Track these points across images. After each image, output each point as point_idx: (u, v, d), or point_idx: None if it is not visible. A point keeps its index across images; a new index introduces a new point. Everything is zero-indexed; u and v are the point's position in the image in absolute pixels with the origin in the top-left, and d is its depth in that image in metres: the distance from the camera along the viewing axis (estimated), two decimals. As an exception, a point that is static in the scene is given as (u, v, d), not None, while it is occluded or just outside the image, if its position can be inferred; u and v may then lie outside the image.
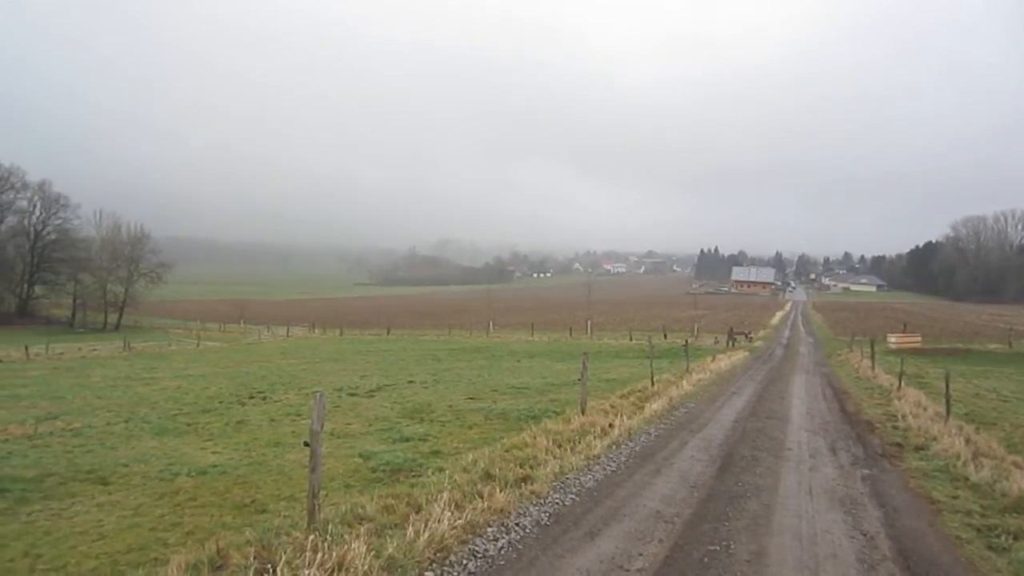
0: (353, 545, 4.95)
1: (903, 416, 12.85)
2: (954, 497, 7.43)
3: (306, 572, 4.52)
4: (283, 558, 4.67)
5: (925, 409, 13.63)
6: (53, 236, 74.75)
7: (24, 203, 73.89)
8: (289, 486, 8.16)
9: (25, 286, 73.82)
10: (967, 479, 8.08)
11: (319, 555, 4.74)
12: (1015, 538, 6.00)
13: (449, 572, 5.05)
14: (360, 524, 5.65)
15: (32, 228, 73.78)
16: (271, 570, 4.50)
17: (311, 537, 5.04)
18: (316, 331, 64.84)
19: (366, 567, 4.72)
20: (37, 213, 74.40)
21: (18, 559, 5.85)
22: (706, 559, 5.47)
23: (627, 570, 5.21)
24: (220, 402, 16.50)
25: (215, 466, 9.44)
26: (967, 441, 10.06)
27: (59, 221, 75.35)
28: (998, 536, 6.08)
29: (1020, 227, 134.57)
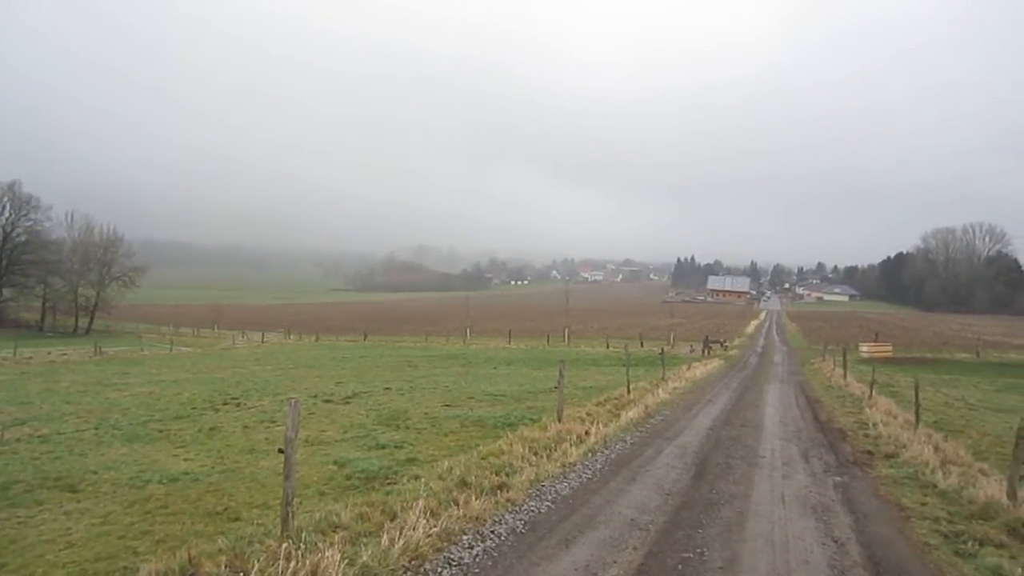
0: (327, 553, 4.92)
1: (874, 424, 13.06)
2: (923, 504, 7.56)
3: (279, 581, 4.48)
4: (256, 566, 4.63)
5: (895, 417, 13.88)
6: (23, 238, 73.07)
7: (-7, 204, 72.27)
8: (262, 493, 8.07)
9: (-7, 289, 72.15)
10: (935, 486, 8.22)
11: (292, 563, 4.71)
12: (981, 544, 6.12)
13: (424, 580, 5.04)
14: (334, 532, 5.62)
15: (1, 229, 72.15)
16: (244, 578, 4.45)
17: (284, 545, 5.00)
18: (292, 337, 64.23)
19: (340, 575, 4.69)
20: (7, 214, 72.64)
21: (-18, 568, 5.72)
22: (680, 566, 5.51)
23: (602, 577, 5.24)
24: (193, 408, 16.26)
25: (187, 473, 9.31)
26: (936, 449, 10.25)
27: (29, 223, 73.69)
28: (965, 542, 6.20)
29: (988, 239, 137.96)
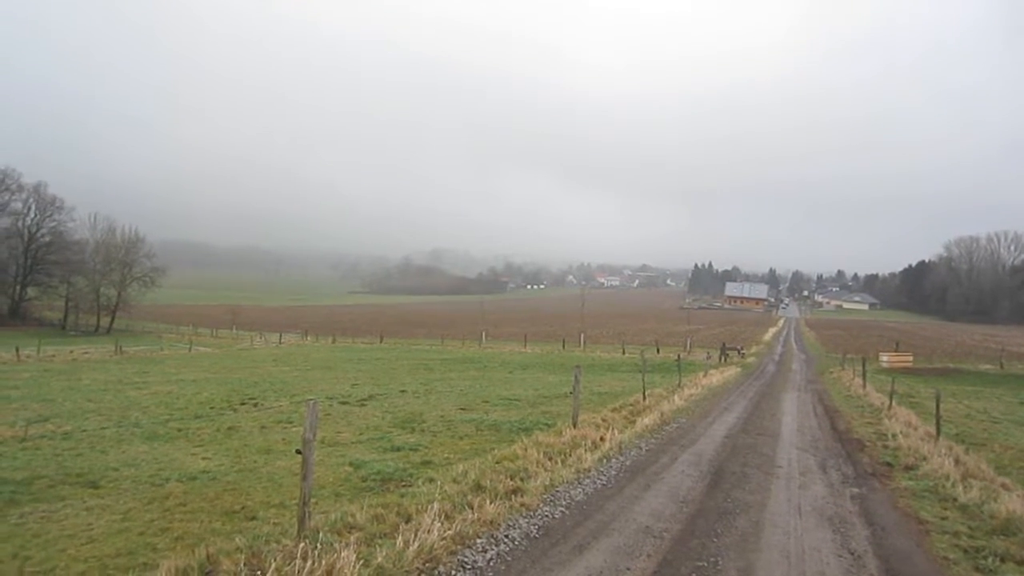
0: (343, 554, 4.97)
1: (893, 435, 12.88)
2: (943, 518, 7.46)
3: (296, 580, 4.52)
4: (273, 565, 4.68)
5: (915, 429, 13.69)
6: (47, 238, 74.49)
7: (19, 205, 73.70)
8: (279, 493, 8.15)
9: (18, 288, 73.42)
10: (956, 500, 8.10)
11: (308, 563, 4.76)
12: (1002, 560, 6.03)
13: (438, 583, 5.06)
14: (350, 533, 5.66)
15: (26, 230, 73.46)
16: (261, 577, 4.51)
17: (301, 545, 5.06)
18: (308, 338, 64.67)
19: (355, 576, 4.73)
20: (32, 215, 74.17)
21: (7, 560, 5.82)
22: (694, 575, 5.49)
23: (616, 584, 5.23)
24: (211, 408, 16.44)
25: (205, 472, 9.42)
26: (956, 462, 10.10)
27: (54, 224, 75.15)
28: (985, 558, 6.11)
29: (1013, 248, 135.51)
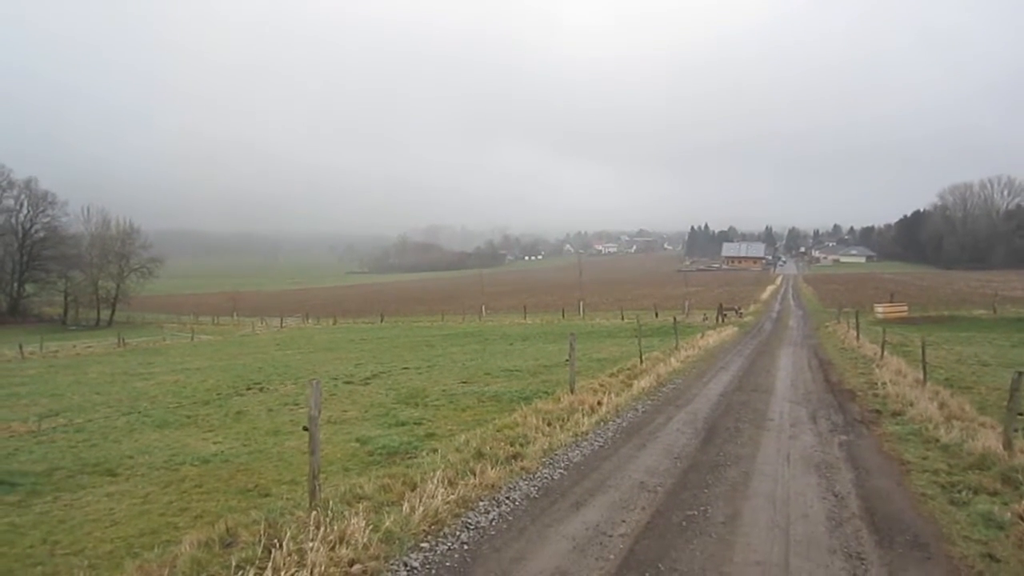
0: (352, 521, 5.29)
1: (883, 384, 13.26)
2: (924, 458, 7.82)
3: (310, 545, 4.84)
4: (288, 534, 4.99)
5: (905, 376, 14.07)
6: (42, 234, 74.66)
7: (11, 201, 73.67)
8: (290, 471, 8.49)
9: (15, 285, 73.67)
10: (938, 440, 8.46)
11: (321, 530, 5.08)
12: (975, 492, 6.39)
13: (443, 543, 5.39)
14: (359, 502, 5.98)
15: (20, 226, 73.55)
16: (278, 544, 4.83)
17: (313, 514, 5.37)
18: (310, 321, 65.03)
19: (365, 540, 5.05)
20: (24, 211, 74.25)
21: (37, 545, 6.16)
22: (684, 523, 5.83)
23: (610, 536, 5.57)
24: (218, 394, 16.76)
25: (217, 455, 9.75)
26: (941, 405, 10.49)
27: (47, 219, 75.25)
28: (960, 491, 6.46)
29: (1006, 193, 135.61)
